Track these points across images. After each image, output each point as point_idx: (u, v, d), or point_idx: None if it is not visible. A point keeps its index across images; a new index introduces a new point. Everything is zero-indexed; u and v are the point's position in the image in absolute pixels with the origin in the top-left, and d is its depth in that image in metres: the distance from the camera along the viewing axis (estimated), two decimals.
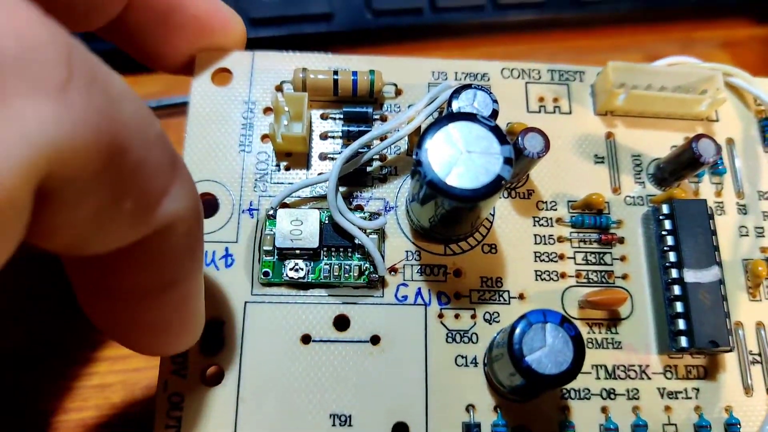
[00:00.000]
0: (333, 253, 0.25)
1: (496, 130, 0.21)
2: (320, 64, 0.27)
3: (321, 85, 0.26)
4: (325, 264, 0.24)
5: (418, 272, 0.25)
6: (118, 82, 0.14)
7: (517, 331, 0.21)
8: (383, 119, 0.27)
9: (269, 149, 0.26)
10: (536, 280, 0.25)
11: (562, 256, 0.26)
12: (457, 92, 0.24)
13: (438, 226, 0.24)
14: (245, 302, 0.24)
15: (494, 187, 0.21)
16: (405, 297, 0.25)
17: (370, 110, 0.27)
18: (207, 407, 0.23)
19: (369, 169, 0.26)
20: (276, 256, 0.24)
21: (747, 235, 0.27)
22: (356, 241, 0.24)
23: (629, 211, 0.26)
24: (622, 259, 0.26)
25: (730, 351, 0.24)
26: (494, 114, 0.24)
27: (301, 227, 0.24)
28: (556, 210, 0.26)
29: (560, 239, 0.26)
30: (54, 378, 0.32)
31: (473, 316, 0.25)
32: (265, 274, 0.24)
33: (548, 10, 0.41)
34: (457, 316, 0.25)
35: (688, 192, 0.26)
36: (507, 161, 0.21)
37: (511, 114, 0.27)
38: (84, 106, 0.12)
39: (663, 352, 0.25)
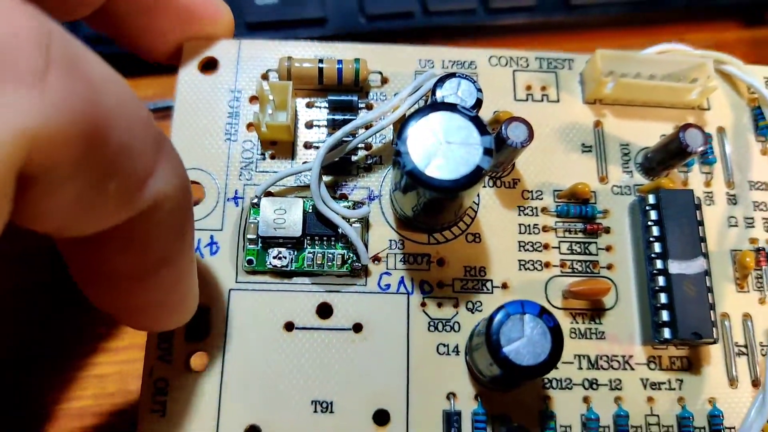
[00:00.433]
0: (316, 242, 0.25)
1: (476, 121, 0.21)
2: (306, 53, 0.27)
3: (306, 74, 0.26)
4: (309, 252, 0.25)
5: (401, 261, 0.25)
6: (100, 66, 0.14)
7: (495, 321, 0.21)
8: (369, 108, 0.27)
9: (255, 138, 0.26)
10: (520, 269, 0.25)
11: (546, 246, 0.26)
12: (441, 81, 0.24)
13: (421, 215, 0.24)
14: (230, 290, 0.25)
15: (473, 177, 0.21)
16: (388, 285, 0.25)
17: (355, 99, 0.27)
18: (192, 392, 0.24)
19: (354, 158, 0.26)
20: (260, 245, 0.25)
21: (736, 226, 0.26)
22: (340, 231, 0.24)
23: (616, 201, 0.26)
24: (608, 249, 0.26)
25: (714, 343, 0.24)
26: (478, 103, 0.24)
27: (284, 216, 0.24)
28: (541, 199, 0.26)
29: (545, 229, 0.26)
30: (54, 369, 0.33)
31: (456, 305, 0.25)
32: (249, 262, 0.25)
33: (539, 13, 0.41)
34: (439, 305, 0.25)
35: (676, 182, 0.26)
36: (487, 152, 0.21)
37: (498, 102, 0.27)
38: (63, 93, 0.12)
39: (647, 342, 0.24)
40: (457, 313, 0.25)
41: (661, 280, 0.24)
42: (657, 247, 0.24)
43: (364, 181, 0.26)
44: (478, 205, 0.26)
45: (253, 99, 0.27)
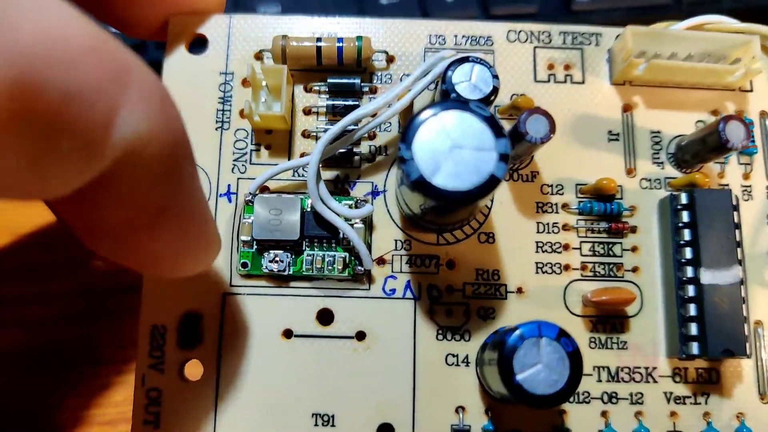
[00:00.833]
0: (315, 244, 0.23)
1: (491, 121, 0.19)
2: (303, 29, 0.24)
3: (303, 53, 0.24)
4: (308, 255, 0.23)
5: (407, 263, 0.23)
6: (11, 4, 0.11)
7: (509, 345, 0.19)
8: (373, 91, 0.24)
9: (248, 126, 0.24)
10: (537, 272, 0.23)
11: (566, 247, 0.23)
12: (452, 65, 0.22)
13: (429, 213, 0.22)
14: (224, 294, 0.23)
15: (487, 187, 0.18)
16: (393, 290, 0.23)
17: (357, 82, 0.24)
18: (185, 403, 0.22)
19: (356, 149, 0.24)
20: (255, 247, 0.23)
21: None
22: (341, 233, 0.23)
23: (644, 196, 0.24)
24: (633, 249, 0.24)
25: (747, 358, 0.22)
26: (494, 91, 0.21)
27: (280, 217, 0.23)
28: (562, 195, 0.24)
29: (565, 227, 0.24)
30: (66, 379, 0.32)
31: (466, 312, 0.23)
32: (244, 265, 0.23)
33: (540, 20, 0.38)
34: (449, 312, 0.23)
35: (711, 176, 0.24)
36: (502, 158, 0.19)
37: (516, 84, 0.25)
38: None
39: (672, 355, 0.23)
40: (468, 320, 0.23)
41: (690, 290, 0.22)
42: (688, 253, 0.22)
43: (367, 174, 0.24)
44: (492, 201, 0.24)
45: (245, 82, 0.24)
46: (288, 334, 0.23)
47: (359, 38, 0.24)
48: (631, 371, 0.23)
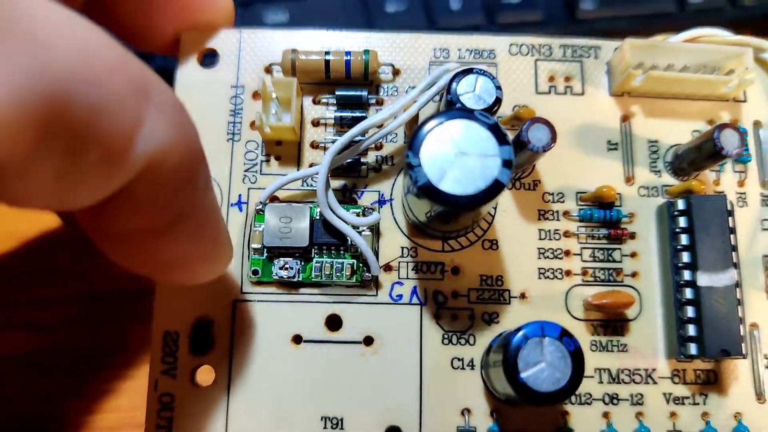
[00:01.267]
0: (324, 252, 0.24)
1: (495, 129, 0.20)
2: (312, 43, 0.25)
3: (312, 67, 0.24)
4: (316, 262, 0.23)
5: (413, 270, 0.24)
6: (45, 21, 0.12)
7: (513, 345, 0.20)
8: (379, 103, 0.25)
9: (258, 137, 0.25)
10: (539, 278, 0.24)
11: (568, 253, 0.24)
12: (457, 77, 0.22)
13: (435, 220, 0.23)
14: (234, 301, 0.23)
15: (491, 192, 0.19)
16: (400, 296, 0.24)
17: (364, 94, 0.25)
18: (197, 408, 0.23)
19: (363, 159, 0.25)
20: (265, 255, 0.23)
21: None
22: (349, 240, 0.23)
23: (642, 203, 0.25)
24: (633, 255, 0.24)
25: (743, 358, 0.22)
26: (497, 102, 0.22)
27: (290, 224, 0.23)
28: (563, 202, 0.25)
29: (566, 234, 0.24)
30: (72, 383, 0.32)
31: (471, 317, 0.24)
32: (255, 272, 0.23)
33: (546, 27, 0.39)
34: (454, 317, 0.24)
35: (707, 182, 0.24)
36: (506, 164, 0.19)
37: (518, 96, 0.25)
38: (4, 69, 0.11)
39: (671, 356, 0.23)
40: (473, 325, 0.24)
41: (688, 293, 0.23)
42: (685, 257, 0.23)
43: (374, 183, 0.25)
44: (495, 209, 0.24)
45: (256, 95, 0.25)
46: (297, 339, 0.23)
47: (366, 52, 0.24)
48: (631, 373, 0.23)
